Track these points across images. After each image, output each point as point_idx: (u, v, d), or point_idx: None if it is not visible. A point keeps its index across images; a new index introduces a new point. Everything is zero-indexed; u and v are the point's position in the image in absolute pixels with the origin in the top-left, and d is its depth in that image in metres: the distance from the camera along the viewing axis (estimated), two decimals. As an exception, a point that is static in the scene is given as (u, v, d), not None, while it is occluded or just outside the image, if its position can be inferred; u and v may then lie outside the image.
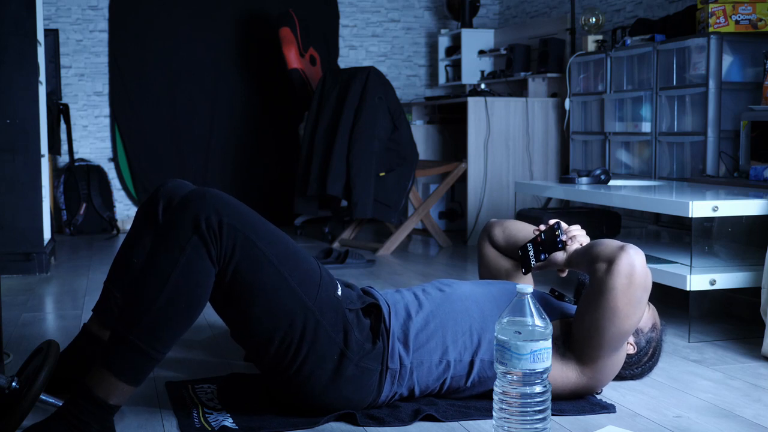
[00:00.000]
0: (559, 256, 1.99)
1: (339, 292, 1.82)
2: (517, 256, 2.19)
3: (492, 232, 2.28)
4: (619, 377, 2.12)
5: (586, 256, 1.90)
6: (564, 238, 1.99)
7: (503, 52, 5.55)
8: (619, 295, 1.79)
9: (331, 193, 4.40)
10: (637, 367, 2.12)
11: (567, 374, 1.91)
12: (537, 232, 2.05)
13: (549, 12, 5.61)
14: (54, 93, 5.39)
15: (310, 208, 4.69)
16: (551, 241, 1.99)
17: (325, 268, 1.85)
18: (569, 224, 2.06)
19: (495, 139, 4.92)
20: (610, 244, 1.85)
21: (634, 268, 1.78)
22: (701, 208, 2.53)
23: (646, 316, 2.06)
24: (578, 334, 1.88)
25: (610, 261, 1.80)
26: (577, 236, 2.00)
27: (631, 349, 2.06)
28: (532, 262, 2.02)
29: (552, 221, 2.05)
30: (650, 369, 2.16)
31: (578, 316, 1.89)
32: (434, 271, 3.96)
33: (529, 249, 2.03)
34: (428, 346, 1.87)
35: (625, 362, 2.07)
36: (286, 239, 1.78)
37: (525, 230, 2.22)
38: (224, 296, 1.73)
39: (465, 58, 5.81)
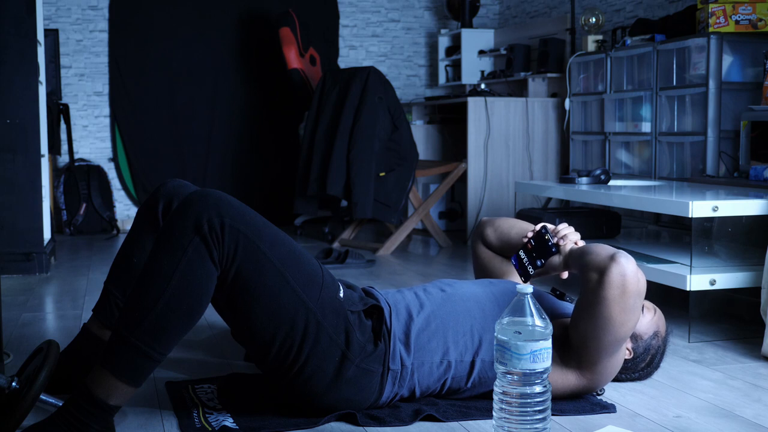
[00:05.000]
0: (556, 259, 1.97)
1: (341, 294, 1.82)
2: (511, 255, 2.18)
3: (484, 232, 2.26)
4: (616, 380, 2.12)
5: (579, 261, 1.88)
6: (555, 240, 1.98)
7: (503, 52, 5.55)
8: (613, 305, 1.78)
9: (331, 193, 4.40)
10: (634, 372, 2.11)
11: (567, 377, 1.91)
12: (526, 240, 2.03)
13: (549, 12, 5.61)
14: (54, 93, 5.38)
15: (310, 208, 4.69)
16: (543, 246, 1.97)
17: (327, 270, 1.85)
18: (568, 224, 2.05)
19: (495, 139, 4.92)
20: (600, 252, 1.83)
21: (625, 278, 1.77)
22: (701, 208, 2.53)
23: (648, 323, 2.05)
24: (575, 340, 1.88)
25: (601, 272, 1.78)
26: (567, 235, 1.98)
27: (627, 355, 2.05)
28: (530, 271, 1.99)
29: (538, 225, 2.03)
30: (648, 375, 2.15)
31: (573, 324, 1.88)
32: (434, 271, 3.96)
33: (523, 258, 2.00)
34: (429, 347, 1.86)
35: (622, 366, 2.06)
36: (288, 241, 1.78)
37: (517, 226, 2.20)
38: (226, 297, 1.73)
39: (465, 58, 5.80)
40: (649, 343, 2.06)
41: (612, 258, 1.79)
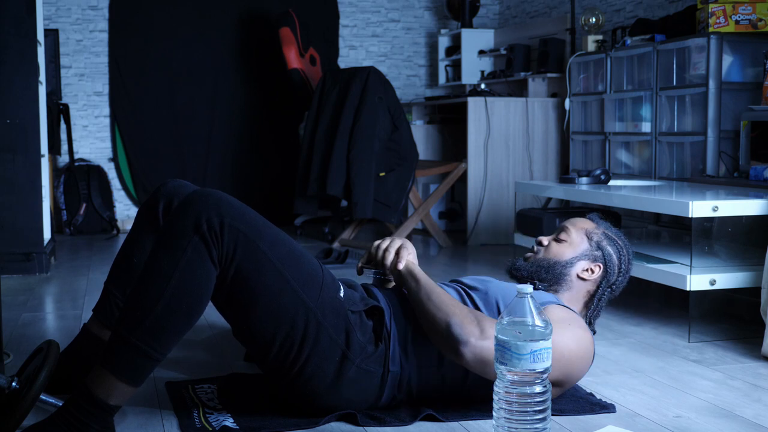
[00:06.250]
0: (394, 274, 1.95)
1: (341, 294, 1.82)
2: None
3: None
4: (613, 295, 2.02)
5: (415, 308, 1.83)
6: (375, 278, 1.98)
7: (503, 52, 5.55)
8: (488, 370, 1.70)
9: (331, 193, 4.40)
10: (619, 276, 2.00)
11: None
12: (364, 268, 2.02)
13: (549, 12, 5.61)
14: (54, 93, 5.38)
15: (310, 208, 4.69)
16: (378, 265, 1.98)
17: (328, 270, 1.84)
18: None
19: (495, 139, 4.91)
20: (435, 328, 1.76)
21: (483, 355, 1.70)
22: (701, 208, 2.53)
23: (579, 243, 1.99)
24: None
25: (452, 354, 1.72)
26: (386, 263, 1.92)
27: (597, 270, 1.97)
28: (389, 277, 1.99)
29: (359, 263, 2.02)
30: (630, 267, 2.02)
31: None
32: (434, 271, 3.96)
33: (376, 275, 2.01)
34: (428, 348, 1.86)
35: (602, 285, 1.98)
36: (289, 241, 1.78)
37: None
38: (226, 297, 1.73)
39: (465, 58, 5.80)
40: (598, 242, 1.99)
41: (454, 351, 1.71)
